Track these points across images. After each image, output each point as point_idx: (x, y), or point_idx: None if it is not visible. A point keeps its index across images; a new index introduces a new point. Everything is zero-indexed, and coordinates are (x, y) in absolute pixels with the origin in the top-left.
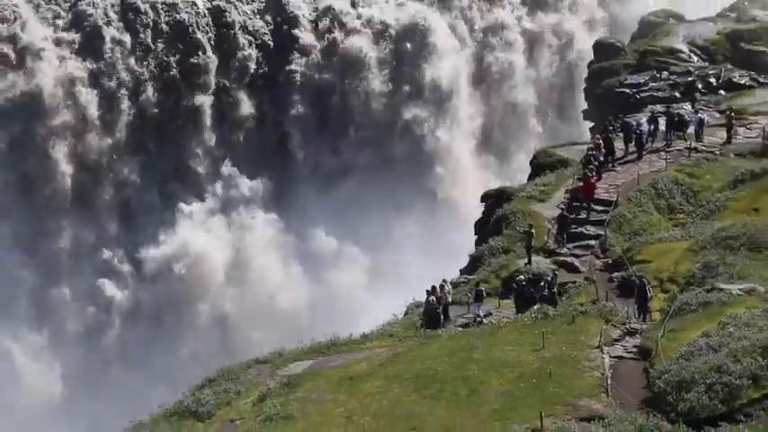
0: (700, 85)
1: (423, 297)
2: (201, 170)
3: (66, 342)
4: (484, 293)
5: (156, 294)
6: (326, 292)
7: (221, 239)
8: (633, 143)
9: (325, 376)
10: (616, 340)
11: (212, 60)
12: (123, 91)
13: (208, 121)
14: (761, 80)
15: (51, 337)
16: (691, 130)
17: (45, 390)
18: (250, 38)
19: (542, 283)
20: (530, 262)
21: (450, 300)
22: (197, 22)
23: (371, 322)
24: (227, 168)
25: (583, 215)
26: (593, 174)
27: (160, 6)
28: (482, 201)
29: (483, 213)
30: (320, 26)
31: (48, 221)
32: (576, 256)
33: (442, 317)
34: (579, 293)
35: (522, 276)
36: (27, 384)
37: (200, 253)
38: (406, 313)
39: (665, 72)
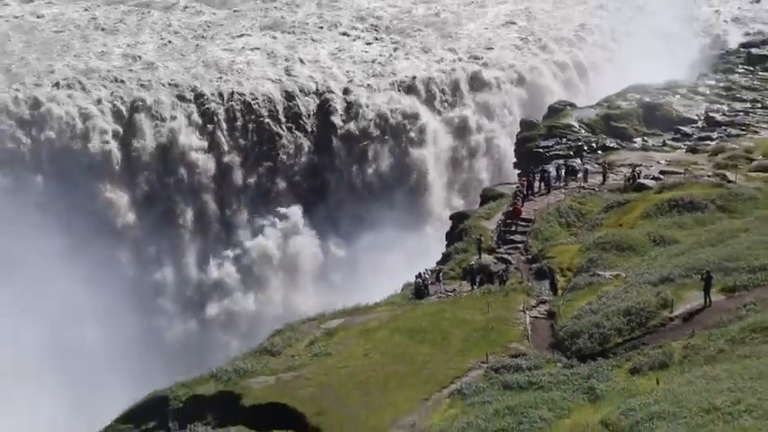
0: (585, 148)
1: (413, 279)
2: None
3: None
4: (440, 276)
5: None
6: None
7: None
8: (544, 183)
9: (351, 329)
10: (534, 306)
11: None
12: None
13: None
14: (623, 145)
15: None
16: (580, 175)
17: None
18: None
19: (499, 272)
20: (480, 257)
21: (429, 281)
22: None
23: (381, 294)
24: None
25: (513, 228)
26: (520, 202)
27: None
28: (450, 218)
29: (450, 227)
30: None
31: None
32: (509, 254)
33: (425, 291)
34: (511, 277)
35: (471, 265)
36: None
37: None
38: (402, 289)
39: (564, 139)
